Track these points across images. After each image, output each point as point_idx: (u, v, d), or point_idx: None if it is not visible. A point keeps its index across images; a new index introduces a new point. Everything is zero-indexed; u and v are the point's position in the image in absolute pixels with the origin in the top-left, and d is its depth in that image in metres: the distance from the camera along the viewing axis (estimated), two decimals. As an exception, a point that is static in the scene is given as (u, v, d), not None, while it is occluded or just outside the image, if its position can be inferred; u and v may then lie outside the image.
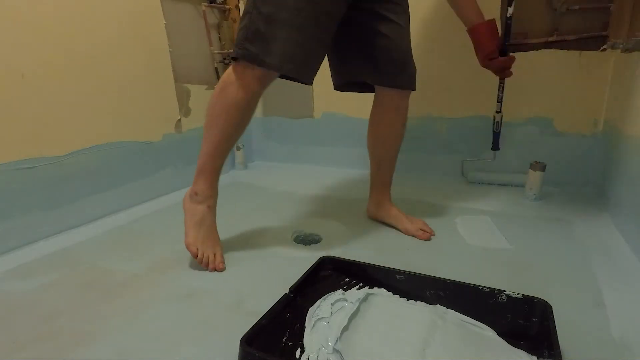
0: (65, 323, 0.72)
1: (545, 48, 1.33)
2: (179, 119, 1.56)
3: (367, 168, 1.73)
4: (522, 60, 1.35)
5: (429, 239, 1.03)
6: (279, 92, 1.89)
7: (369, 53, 1.00)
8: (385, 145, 1.14)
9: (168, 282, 0.86)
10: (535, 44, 1.36)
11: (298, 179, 1.69)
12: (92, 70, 1.19)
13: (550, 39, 1.33)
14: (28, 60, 1.04)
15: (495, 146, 1.36)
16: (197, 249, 0.89)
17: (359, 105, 1.69)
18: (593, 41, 1.28)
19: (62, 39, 1.10)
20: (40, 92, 1.07)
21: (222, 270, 0.90)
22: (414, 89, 1.08)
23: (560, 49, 1.32)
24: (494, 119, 1.34)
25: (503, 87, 1.27)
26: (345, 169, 1.79)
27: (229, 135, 0.90)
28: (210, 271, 0.89)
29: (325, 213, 1.24)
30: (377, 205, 1.16)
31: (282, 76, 0.90)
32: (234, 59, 0.86)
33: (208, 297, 0.80)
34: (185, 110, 1.58)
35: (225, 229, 1.15)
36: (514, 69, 1.37)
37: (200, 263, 0.89)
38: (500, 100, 1.30)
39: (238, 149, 1.85)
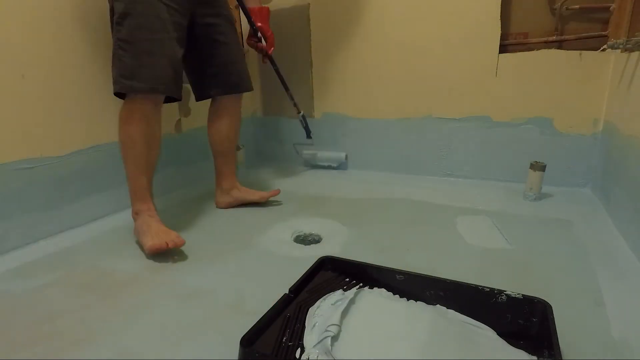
0: (65, 323, 0.72)
1: (545, 48, 1.33)
2: (179, 119, 1.56)
3: (368, 168, 1.75)
4: (522, 60, 1.35)
5: (279, 192, 1.35)
6: (279, 92, 1.89)
7: (211, 71, 1.20)
8: (230, 141, 1.31)
9: (168, 282, 0.86)
10: (535, 44, 1.36)
11: (298, 179, 1.69)
12: (92, 70, 1.19)
13: (550, 39, 1.34)
14: (28, 60, 1.04)
15: (308, 135, 1.65)
16: (158, 242, 0.94)
17: (359, 105, 1.70)
18: (593, 41, 1.28)
19: (62, 39, 1.10)
20: (40, 92, 1.07)
21: (183, 242, 0.97)
22: (252, 90, 1.31)
23: (560, 49, 1.32)
24: (300, 119, 1.61)
25: (289, 92, 1.56)
26: (345, 169, 1.79)
27: (144, 158, 1.03)
28: (172, 246, 0.94)
29: (325, 213, 1.24)
30: (229, 191, 1.32)
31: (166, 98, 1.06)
32: (118, 95, 1.02)
33: (208, 297, 0.80)
34: (185, 111, 1.59)
35: (225, 229, 1.15)
36: (513, 68, 1.38)
37: (167, 246, 0.94)
38: (295, 105, 1.58)
39: (238, 149, 1.85)
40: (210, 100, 1.27)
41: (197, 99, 1.27)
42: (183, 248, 1.02)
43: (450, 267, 0.87)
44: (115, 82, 0.99)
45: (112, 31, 1.00)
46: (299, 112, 1.60)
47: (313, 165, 1.85)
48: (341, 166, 1.80)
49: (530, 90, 1.37)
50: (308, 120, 1.65)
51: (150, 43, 0.98)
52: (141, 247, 1.00)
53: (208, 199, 1.40)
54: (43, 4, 1.05)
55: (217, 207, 1.33)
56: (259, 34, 1.34)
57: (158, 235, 0.97)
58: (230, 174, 1.33)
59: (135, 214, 1.04)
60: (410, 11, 1.47)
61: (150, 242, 0.94)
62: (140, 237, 1.00)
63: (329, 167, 1.81)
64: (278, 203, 1.36)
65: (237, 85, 1.25)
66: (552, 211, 1.18)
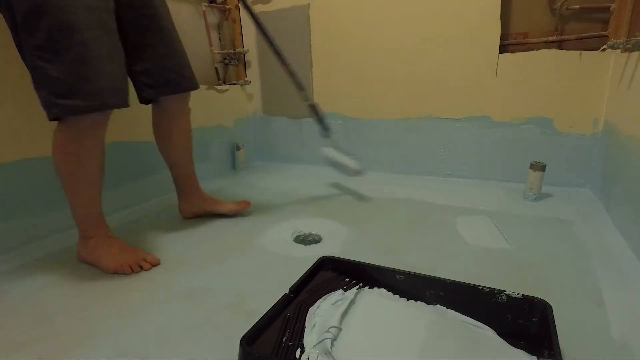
0: (65, 323, 0.73)
1: (545, 48, 1.33)
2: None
3: (368, 168, 1.74)
4: (522, 60, 1.35)
5: (249, 206, 1.23)
6: (279, 92, 1.89)
7: (141, 67, 0.96)
8: (184, 149, 1.14)
9: (168, 282, 0.86)
10: (535, 44, 1.36)
11: (298, 179, 1.69)
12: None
13: (550, 39, 1.33)
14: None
15: (324, 130, 1.37)
16: (122, 265, 0.89)
17: (359, 105, 1.70)
18: (593, 41, 1.28)
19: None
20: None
21: (158, 261, 0.93)
22: (198, 88, 1.09)
23: (560, 49, 1.32)
24: (314, 109, 1.34)
25: (289, 66, 1.27)
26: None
27: (98, 184, 0.90)
28: (147, 269, 0.91)
29: (325, 213, 1.24)
30: (193, 201, 1.20)
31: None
32: (55, 119, 0.81)
33: (208, 297, 0.80)
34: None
35: (225, 229, 1.15)
36: (513, 68, 1.37)
37: (133, 271, 0.89)
38: (298, 85, 1.30)
39: (238, 149, 1.85)
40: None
41: (140, 101, 1.04)
42: (183, 248, 1.02)
43: (450, 267, 0.87)
44: (47, 106, 0.76)
45: (18, 37, 0.76)
46: (306, 100, 1.33)
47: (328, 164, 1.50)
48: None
49: (530, 90, 1.37)
50: (307, 119, 1.62)
51: (84, 46, 0.75)
52: (100, 268, 0.91)
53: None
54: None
55: (182, 216, 1.23)
56: None
57: (123, 255, 0.91)
58: (191, 185, 1.19)
59: (90, 239, 0.93)
60: (410, 11, 1.47)
61: (118, 267, 0.88)
62: (99, 261, 0.91)
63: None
64: (278, 203, 1.36)
65: (177, 82, 1.02)
66: (552, 211, 1.18)
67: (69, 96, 0.76)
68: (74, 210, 0.91)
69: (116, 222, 1.24)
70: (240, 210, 1.23)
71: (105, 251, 0.91)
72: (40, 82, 0.76)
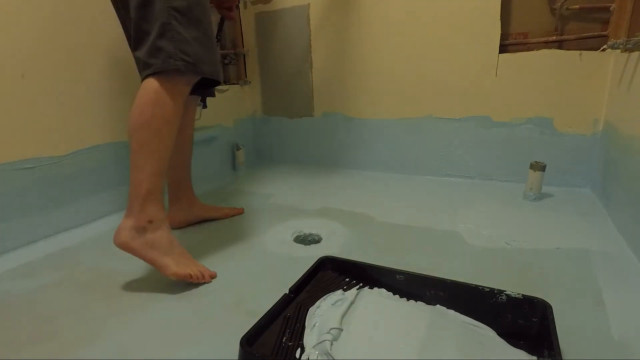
0: (65, 323, 0.73)
1: (545, 48, 1.33)
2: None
3: (368, 168, 1.74)
4: (522, 60, 1.35)
5: (242, 211, 1.26)
6: (279, 92, 1.89)
7: None
8: (184, 151, 1.13)
9: (168, 282, 0.86)
10: (535, 44, 1.36)
11: (298, 178, 1.69)
12: (92, 70, 1.19)
13: (550, 39, 1.33)
14: (28, 60, 1.04)
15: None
16: (187, 272, 0.83)
17: (359, 105, 1.70)
18: (593, 41, 1.28)
19: (62, 39, 1.10)
20: (41, 92, 1.07)
21: (214, 276, 0.87)
22: (214, 95, 1.17)
23: (560, 49, 1.32)
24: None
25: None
26: (346, 169, 1.79)
27: (171, 148, 0.87)
28: (208, 281, 0.85)
29: (325, 213, 1.24)
30: (189, 208, 1.16)
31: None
32: (161, 72, 0.82)
33: (208, 297, 0.80)
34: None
35: (225, 229, 1.15)
36: (513, 68, 1.37)
37: (196, 280, 0.84)
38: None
39: (238, 149, 1.85)
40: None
41: None
42: (185, 249, 1.02)
43: (450, 267, 0.87)
44: (170, 57, 0.81)
45: None
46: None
47: None
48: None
49: (530, 90, 1.37)
50: (307, 118, 1.62)
51: (209, 24, 0.88)
52: (157, 265, 0.81)
53: (209, 198, 1.40)
54: (43, 4, 1.05)
55: (172, 226, 1.02)
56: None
57: (187, 262, 0.85)
58: (187, 190, 1.17)
59: (149, 223, 0.81)
60: (410, 11, 1.47)
61: (182, 271, 0.81)
62: (157, 257, 0.81)
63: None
64: (278, 203, 1.36)
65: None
66: (552, 211, 1.18)
67: (195, 57, 0.83)
68: (141, 179, 0.82)
69: (113, 223, 1.24)
70: (235, 215, 1.24)
71: (169, 250, 0.83)
72: (168, 36, 0.81)
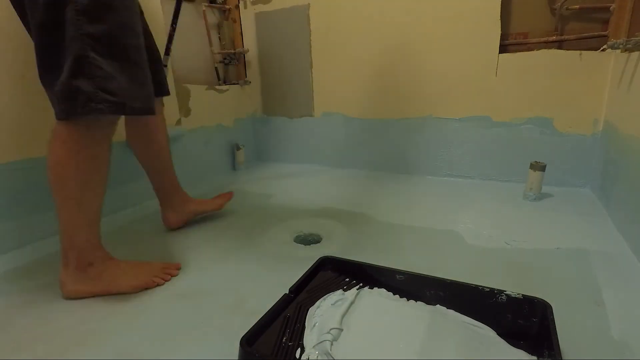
0: (65, 323, 0.72)
1: (545, 48, 1.33)
2: (179, 119, 1.56)
3: (367, 168, 1.74)
4: (522, 60, 1.35)
5: (232, 195, 1.25)
6: (279, 92, 1.89)
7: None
8: (167, 153, 1.10)
9: (168, 282, 0.86)
10: (535, 44, 1.36)
11: (298, 178, 1.69)
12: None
13: (550, 39, 1.34)
14: (28, 61, 1.04)
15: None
16: (148, 279, 0.83)
17: (359, 105, 1.70)
18: (593, 41, 1.28)
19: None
20: (41, 92, 1.07)
21: (180, 265, 0.91)
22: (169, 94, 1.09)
23: (560, 49, 1.32)
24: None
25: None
26: (345, 168, 1.79)
27: (103, 192, 0.80)
28: (175, 275, 0.88)
29: (325, 213, 1.24)
30: (181, 207, 1.14)
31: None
32: (83, 115, 0.70)
33: (208, 297, 0.80)
34: (185, 110, 1.59)
35: (226, 229, 1.15)
36: (513, 68, 1.37)
37: (164, 280, 0.85)
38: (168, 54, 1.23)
39: (238, 149, 1.85)
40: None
41: None
42: (183, 249, 1.02)
43: (450, 267, 0.87)
44: (90, 99, 0.67)
45: (55, 16, 0.66)
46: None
47: None
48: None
49: (530, 90, 1.37)
50: (307, 118, 1.63)
51: (138, 47, 0.73)
52: (114, 292, 0.80)
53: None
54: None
55: (168, 227, 1.14)
56: None
57: (143, 272, 0.84)
58: (176, 190, 1.14)
59: (90, 266, 0.79)
60: (410, 11, 1.47)
61: (143, 284, 0.82)
62: (110, 285, 0.80)
63: None
64: (278, 203, 1.36)
65: (164, 85, 1.04)
66: (552, 211, 1.18)
67: (121, 95, 0.70)
68: (73, 232, 0.77)
69: (114, 223, 1.24)
70: (227, 202, 1.24)
71: (118, 272, 0.81)
72: (86, 73, 0.67)
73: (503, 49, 1.37)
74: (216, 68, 1.79)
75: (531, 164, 1.27)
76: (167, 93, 1.07)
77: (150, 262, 0.91)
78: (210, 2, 1.71)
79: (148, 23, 1.01)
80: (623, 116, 1.10)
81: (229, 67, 1.86)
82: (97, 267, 0.80)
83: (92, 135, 0.75)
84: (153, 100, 0.79)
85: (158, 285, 0.84)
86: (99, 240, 0.82)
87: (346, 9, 1.59)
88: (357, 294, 0.70)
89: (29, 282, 0.88)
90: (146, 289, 0.83)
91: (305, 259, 0.86)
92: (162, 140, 1.07)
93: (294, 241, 1.07)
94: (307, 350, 0.57)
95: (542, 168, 1.25)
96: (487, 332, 0.61)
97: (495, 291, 0.65)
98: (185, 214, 1.15)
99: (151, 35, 1.00)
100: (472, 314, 0.65)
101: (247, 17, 1.83)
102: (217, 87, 1.75)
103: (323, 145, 1.84)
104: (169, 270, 0.88)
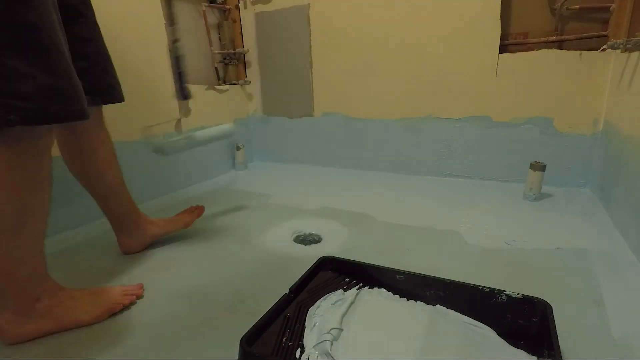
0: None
1: (545, 48, 1.33)
2: (179, 119, 1.55)
3: (367, 168, 1.74)
4: (522, 60, 1.35)
5: (203, 210, 1.11)
6: (279, 92, 1.89)
7: (83, 68, 0.73)
8: (117, 170, 0.92)
9: (168, 282, 0.86)
10: (535, 44, 1.36)
11: (298, 178, 1.69)
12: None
13: (550, 39, 1.33)
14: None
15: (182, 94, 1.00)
16: (110, 305, 0.74)
17: (359, 105, 1.70)
18: (593, 41, 1.28)
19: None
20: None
21: (141, 285, 0.82)
22: (123, 100, 0.90)
23: (560, 49, 1.32)
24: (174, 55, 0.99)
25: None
26: (345, 168, 1.79)
27: (46, 216, 0.66)
28: (140, 294, 0.80)
29: (325, 213, 1.24)
30: (141, 232, 0.98)
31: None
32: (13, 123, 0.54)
33: (208, 297, 0.80)
34: (185, 110, 1.58)
35: (226, 229, 1.15)
36: (513, 68, 1.37)
37: (120, 307, 0.75)
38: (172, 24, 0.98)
39: (238, 149, 1.85)
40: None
41: None
42: (183, 249, 1.02)
43: (450, 267, 0.87)
44: (10, 110, 0.53)
45: None
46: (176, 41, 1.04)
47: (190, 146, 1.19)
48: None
49: (530, 90, 1.37)
50: (307, 118, 1.62)
51: (53, 28, 0.57)
52: (69, 328, 0.70)
53: (209, 198, 1.40)
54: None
55: (125, 253, 0.99)
56: None
57: (102, 298, 0.74)
58: (134, 213, 0.97)
59: (37, 301, 0.67)
60: (410, 11, 1.47)
61: (96, 308, 0.72)
62: (64, 320, 0.69)
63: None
64: (278, 203, 1.36)
65: (116, 90, 0.88)
66: (552, 211, 1.18)
67: (40, 99, 0.56)
68: (12, 267, 0.63)
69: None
70: (196, 218, 1.09)
71: (73, 303, 0.70)
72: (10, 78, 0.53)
73: (503, 49, 1.37)
74: (216, 68, 1.79)
75: (531, 164, 1.27)
76: (119, 99, 0.88)
77: (107, 287, 0.80)
78: (210, 2, 1.71)
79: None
80: (623, 116, 1.10)
81: (229, 67, 1.86)
82: (46, 302, 0.67)
83: (26, 149, 0.60)
84: (83, 101, 0.62)
85: (123, 305, 0.75)
86: (45, 270, 0.69)
87: (346, 9, 1.59)
88: (357, 294, 0.70)
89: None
90: (112, 315, 0.73)
91: (305, 259, 0.86)
92: (103, 159, 0.88)
93: (294, 241, 1.07)
94: (307, 350, 0.57)
95: (542, 168, 1.25)
96: (487, 332, 0.61)
97: (495, 291, 0.65)
98: (145, 238, 1.00)
99: (99, 31, 0.84)
100: (472, 314, 0.65)
101: (247, 17, 1.83)
102: (217, 87, 1.75)
103: (323, 145, 1.84)
104: (132, 291, 0.79)
